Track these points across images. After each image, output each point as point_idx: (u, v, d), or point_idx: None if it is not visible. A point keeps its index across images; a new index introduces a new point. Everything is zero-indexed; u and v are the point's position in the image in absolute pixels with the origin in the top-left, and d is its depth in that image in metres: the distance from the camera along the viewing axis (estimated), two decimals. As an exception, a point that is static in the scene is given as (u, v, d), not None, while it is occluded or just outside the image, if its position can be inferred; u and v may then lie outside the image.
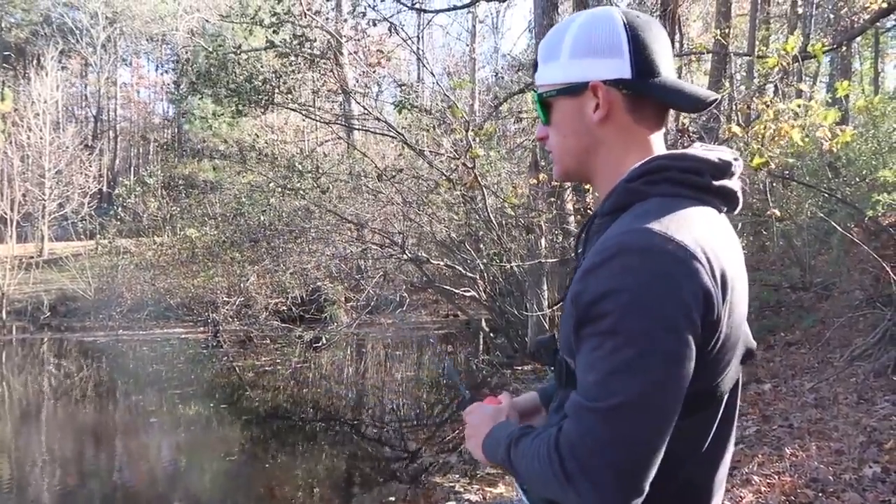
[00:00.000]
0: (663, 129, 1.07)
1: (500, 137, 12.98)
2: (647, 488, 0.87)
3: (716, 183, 0.98)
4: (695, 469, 0.98)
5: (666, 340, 0.84)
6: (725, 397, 0.98)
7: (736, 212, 1.06)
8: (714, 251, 0.89)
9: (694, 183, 0.96)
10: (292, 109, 9.38)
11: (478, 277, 9.19)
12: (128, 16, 34.51)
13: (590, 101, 1.01)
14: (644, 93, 1.00)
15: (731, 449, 1.04)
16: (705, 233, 0.91)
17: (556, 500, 0.96)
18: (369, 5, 8.55)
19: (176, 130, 35.08)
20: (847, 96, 12.36)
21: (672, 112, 1.15)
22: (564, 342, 0.97)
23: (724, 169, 0.99)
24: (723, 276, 0.89)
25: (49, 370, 12.22)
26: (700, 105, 1.02)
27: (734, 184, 1.02)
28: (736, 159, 1.01)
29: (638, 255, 0.87)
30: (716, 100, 1.03)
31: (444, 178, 7.99)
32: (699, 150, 1.01)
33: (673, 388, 0.86)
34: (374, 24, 8.78)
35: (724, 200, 1.01)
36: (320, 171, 10.54)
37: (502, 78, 20.77)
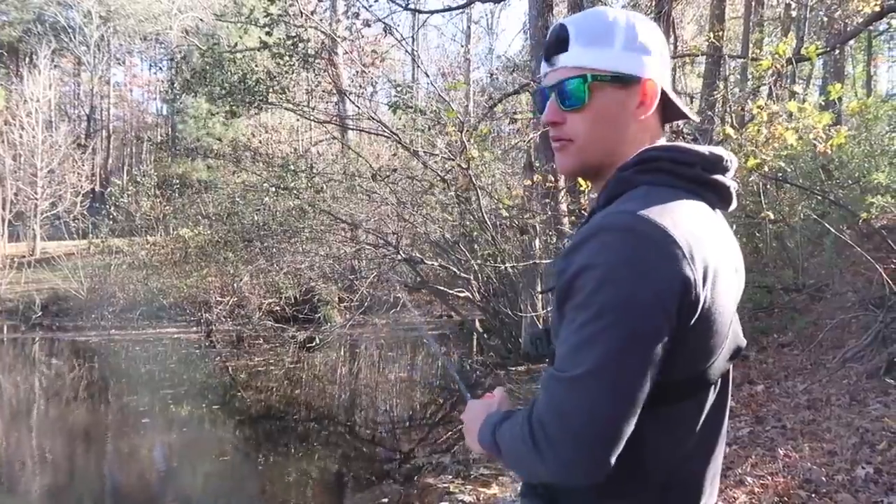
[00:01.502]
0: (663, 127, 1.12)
1: (495, 138, 12.99)
2: (610, 462, 0.88)
3: (706, 175, 1.00)
4: (684, 462, 0.98)
5: (634, 316, 0.86)
6: (713, 389, 0.99)
7: (730, 209, 1.07)
8: (697, 239, 0.90)
9: (683, 174, 0.98)
10: (287, 109, 9.35)
11: (472, 278, 9.19)
12: (121, 14, 34.35)
13: (635, 95, 1.03)
14: (667, 96, 1.06)
15: (721, 445, 1.04)
16: (689, 221, 0.92)
17: (535, 477, 0.99)
18: (364, 6, 8.54)
19: (169, 130, 34.97)
20: (840, 99, 12.42)
21: None
22: (555, 329, 0.99)
23: (714, 162, 1.01)
24: (705, 265, 0.90)
25: (41, 370, 12.15)
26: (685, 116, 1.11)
27: (728, 180, 1.03)
28: (730, 157, 1.04)
29: (617, 234, 0.89)
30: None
31: (438, 178, 7.99)
32: (693, 145, 1.03)
33: (637, 364, 0.86)
34: (369, 25, 8.77)
35: (718, 196, 1.03)
36: (315, 170, 10.52)
37: (497, 79, 20.77)
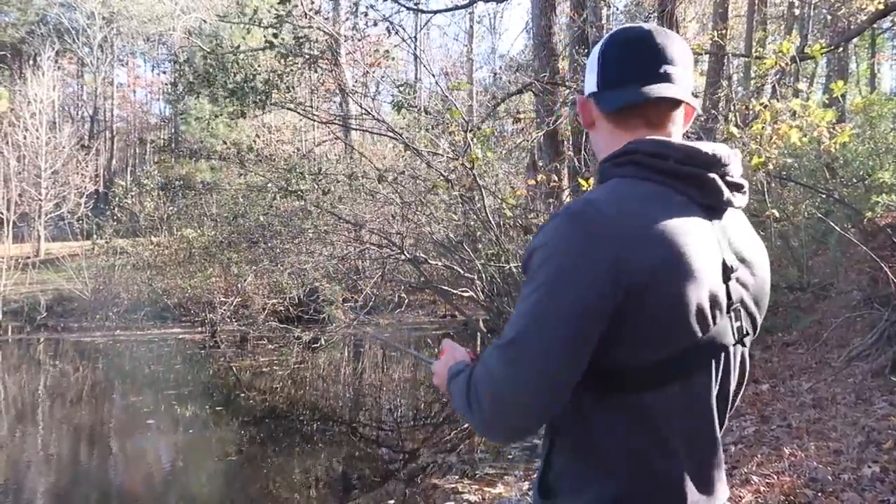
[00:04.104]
0: (665, 133, 1.10)
1: (498, 138, 12.98)
2: (527, 427, 0.97)
3: (679, 167, 1.00)
4: (659, 457, 0.98)
5: (564, 292, 0.92)
6: (683, 385, 0.98)
7: (733, 204, 1.06)
8: (648, 226, 0.94)
9: (654, 165, 1.01)
10: (290, 109, 9.35)
11: (476, 278, 9.18)
12: (124, 16, 34.39)
13: (592, 107, 1.15)
14: (598, 102, 1.11)
15: (711, 447, 1.03)
16: (645, 209, 0.96)
17: (475, 430, 1.06)
18: (369, 5, 8.54)
19: (173, 131, 35.02)
20: (843, 96, 12.39)
21: None
22: None
23: (691, 155, 1.01)
24: (654, 253, 0.93)
25: (45, 371, 12.18)
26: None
27: (710, 173, 1.02)
28: (722, 152, 1.04)
29: (565, 218, 0.96)
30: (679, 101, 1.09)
31: (442, 178, 7.99)
32: (686, 141, 1.05)
33: (561, 336, 0.92)
34: (374, 24, 8.77)
35: (700, 190, 1.02)
36: (322, 172, 10.52)
37: (500, 78, 20.76)
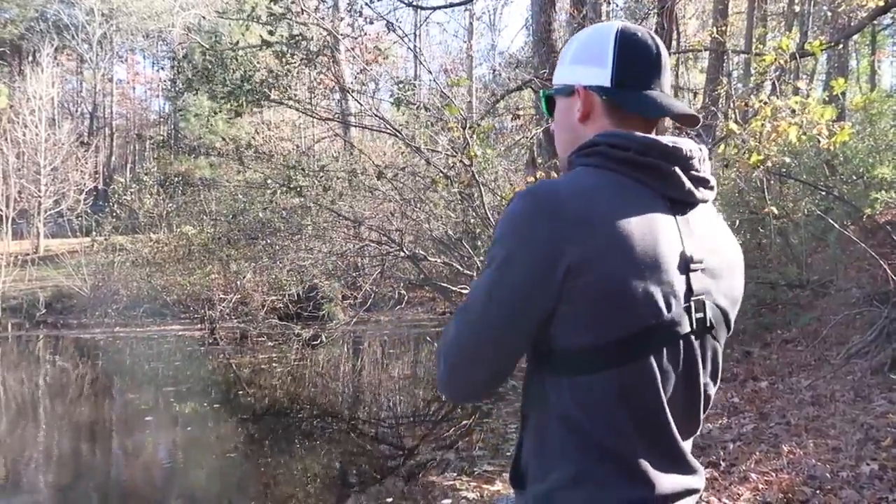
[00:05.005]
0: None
1: (498, 135, 12.98)
2: (478, 389, 1.08)
3: (639, 157, 1.03)
4: (604, 437, 0.99)
5: (506, 269, 0.99)
6: (640, 371, 0.98)
7: (698, 195, 1.07)
8: (595, 207, 0.98)
9: (615, 156, 1.04)
10: (289, 106, 9.33)
11: (475, 274, 9.18)
12: (124, 12, 34.34)
13: (577, 101, 1.15)
14: (617, 101, 1.11)
15: (660, 433, 1.03)
16: (597, 193, 1.00)
17: None
18: (367, 3, 8.51)
19: (172, 127, 34.97)
20: (844, 94, 12.38)
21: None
22: None
23: (650, 146, 1.04)
24: (603, 236, 0.96)
25: (45, 367, 12.19)
26: (677, 118, 1.14)
27: (668, 164, 1.04)
28: (699, 149, 1.08)
29: (519, 201, 1.01)
30: (692, 117, 1.13)
31: (441, 175, 7.97)
32: (648, 135, 1.07)
33: (507, 306, 0.99)
34: (372, 22, 8.75)
35: (663, 181, 1.04)
36: (322, 169, 10.51)
37: (499, 75, 20.74)
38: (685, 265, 1.01)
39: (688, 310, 1.01)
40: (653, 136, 1.06)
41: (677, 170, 1.04)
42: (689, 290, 1.02)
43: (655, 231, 0.99)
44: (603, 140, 1.06)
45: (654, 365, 1.00)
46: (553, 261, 0.95)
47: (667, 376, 1.02)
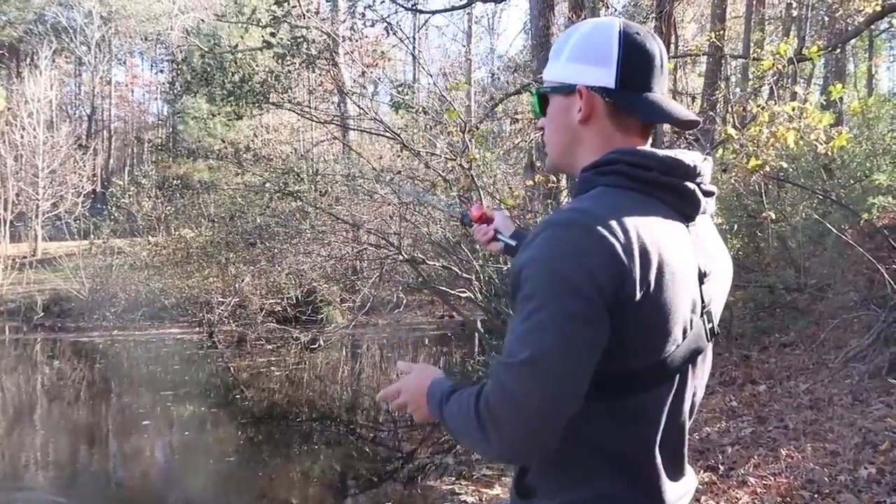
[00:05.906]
0: (649, 140, 1.13)
1: (497, 138, 12.99)
2: (552, 443, 0.93)
3: (663, 178, 1.02)
4: (634, 455, 1.01)
5: (571, 302, 0.90)
6: (669, 387, 1.01)
7: (706, 212, 1.10)
8: (639, 236, 0.94)
9: (639, 176, 1.02)
10: (288, 109, 9.35)
11: (474, 278, 9.17)
12: (122, 15, 34.34)
13: (576, 101, 1.10)
14: (621, 103, 1.07)
15: (676, 439, 1.06)
16: (635, 219, 0.96)
17: (480, 453, 1.04)
18: (366, 6, 8.54)
19: (170, 130, 34.95)
20: (841, 98, 12.41)
21: None
22: (511, 321, 1.04)
23: (673, 166, 1.03)
24: (645, 261, 0.93)
25: (43, 371, 12.16)
26: (679, 124, 1.12)
27: (691, 184, 1.05)
28: (704, 160, 1.07)
29: (558, 229, 0.95)
30: (693, 122, 1.12)
31: (440, 178, 7.99)
32: (665, 150, 1.06)
33: (577, 346, 0.91)
34: (372, 25, 8.77)
35: (681, 199, 1.05)
36: (319, 173, 10.52)
37: (498, 79, 20.79)
38: (701, 279, 1.03)
39: (703, 321, 1.04)
40: (673, 154, 1.04)
41: (695, 188, 1.05)
42: (703, 303, 1.04)
43: (683, 251, 1.01)
44: (621, 158, 1.03)
45: (683, 379, 1.03)
46: (608, 288, 0.91)
47: (689, 388, 1.06)
